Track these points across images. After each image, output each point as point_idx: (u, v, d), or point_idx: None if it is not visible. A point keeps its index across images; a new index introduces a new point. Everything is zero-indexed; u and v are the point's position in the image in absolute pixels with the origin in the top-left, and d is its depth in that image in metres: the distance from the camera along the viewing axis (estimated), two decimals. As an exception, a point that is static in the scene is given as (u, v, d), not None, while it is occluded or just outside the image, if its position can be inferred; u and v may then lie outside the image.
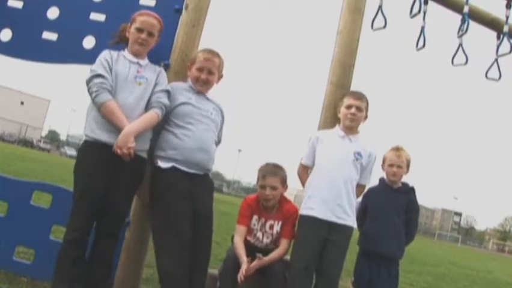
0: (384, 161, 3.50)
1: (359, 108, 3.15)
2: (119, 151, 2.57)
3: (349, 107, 3.16)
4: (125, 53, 2.85)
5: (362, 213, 3.52)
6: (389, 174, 3.47)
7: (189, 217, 2.76)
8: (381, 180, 3.58)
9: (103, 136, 2.63)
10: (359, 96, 3.20)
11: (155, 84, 2.82)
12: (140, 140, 2.69)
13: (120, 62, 2.78)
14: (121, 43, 2.92)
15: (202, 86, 2.96)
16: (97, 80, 2.63)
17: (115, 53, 2.81)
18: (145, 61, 2.87)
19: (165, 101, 2.80)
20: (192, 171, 2.81)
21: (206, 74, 2.93)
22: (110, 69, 2.71)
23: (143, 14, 2.86)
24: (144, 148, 2.78)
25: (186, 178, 2.78)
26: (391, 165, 3.44)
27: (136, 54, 2.84)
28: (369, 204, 3.49)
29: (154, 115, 2.74)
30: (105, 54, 2.76)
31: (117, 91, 2.70)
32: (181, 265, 2.69)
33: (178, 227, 2.71)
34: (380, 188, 3.54)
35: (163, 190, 2.77)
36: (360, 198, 3.42)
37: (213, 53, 2.98)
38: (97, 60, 2.73)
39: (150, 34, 2.83)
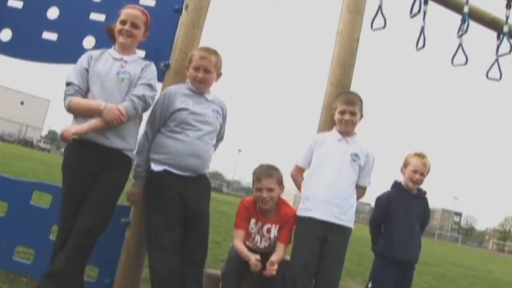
0: (406, 165, 3.51)
1: (352, 113, 3.13)
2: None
3: (342, 112, 3.14)
4: (112, 50, 2.84)
5: (381, 219, 3.50)
6: (411, 179, 3.47)
7: (179, 218, 2.77)
8: (398, 184, 3.56)
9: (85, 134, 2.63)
10: (351, 100, 3.16)
11: (138, 78, 2.79)
12: (122, 138, 2.70)
13: (102, 60, 2.77)
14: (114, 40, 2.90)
15: (199, 85, 2.92)
16: (66, 89, 2.69)
17: (97, 52, 2.81)
18: (131, 57, 2.84)
19: (139, 92, 2.73)
20: (185, 174, 2.81)
21: (203, 72, 2.88)
22: (86, 69, 2.72)
23: (128, 7, 2.86)
24: (129, 147, 2.77)
25: (178, 181, 2.79)
26: (415, 172, 3.46)
27: (123, 48, 2.82)
28: (392, 210, 3.46)
29: (118, 106, 2.66)
30: (82, 57, 2.78)
31: (98, 90, 2.69)
32: (172, 265, 2.71)
33: (167, 228, 2.73)
34: (399, 193, 3.53)
35: (155, 192, 2.80)
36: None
37: (209, 50, 2.93)
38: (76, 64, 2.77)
39: (134, 25, 2.81)
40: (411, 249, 3.44)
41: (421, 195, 3.56)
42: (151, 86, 2.81)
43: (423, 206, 3.55)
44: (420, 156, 3.50)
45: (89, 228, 2.58)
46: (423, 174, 3.47)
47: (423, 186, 3.59)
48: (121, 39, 2.81)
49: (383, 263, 3.44)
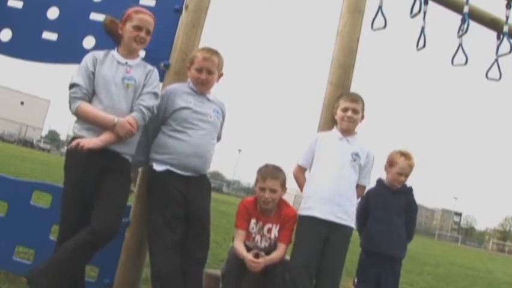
0: (391, 165, 3.49)
1: (355, 111, 3.15)
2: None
3: (345, 109, 3.16)
4: (115, 52, 2.81)
5: (363, 215, 3.51)
6: (395, 180, 3.47)
7: (181, 218, 2.77)
8: (380, 181, 3.57)
9: (87, 136, 2.62)
10: (355, 98, 3.20)
11: (143, 86, 2.77)
12: (123, 142, 2.67)
13: (107, 64, 2.74)
14: (112, 37, 2.87)
15: (202, 86, 2.93)
16: (71, 91, 2.65)
17: (101, 53, 2.77)
18: (135, 61, 2.82)
19: (148, 103, 2.72)
20: (187, 174, 2.82)
21: (205, 74, 2.89)
22: (93, 73, 2.68)
23: (139, 11, 2.82)
24: (128, 152, 2.75)
25: (180, 181, 2.79)
26: (400, 174, 3.45)
27: (130, 52, 2.80)
28: (371, 206, 3.49)
29: (129, 119, 2.67)
30: (87, 58, 2.73)
31: (105, 95, 2.67)
32: (173, 264, 2.72)
33: (169, 228, 2.72)
34: (380, 189, 3.54)
35: (157, 192, 2.80)
36: (358, 200, 3.42)
37: (211, 51, 2.93)
38: (80, 65, 2.72)
39: (148, 32, 2.80)
40: (390, 243, 3.39)
41: (403, 190, 3.53)
42: (156, 95, 2.80)
43: (405, 201, 3.50)
44: (407, 157, 3.46)
45: (103, 232, 2.54)
46: (407, 176, 3.47)
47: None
48: (134, 45, 2.78)
49: (365, 258, 3.46)
